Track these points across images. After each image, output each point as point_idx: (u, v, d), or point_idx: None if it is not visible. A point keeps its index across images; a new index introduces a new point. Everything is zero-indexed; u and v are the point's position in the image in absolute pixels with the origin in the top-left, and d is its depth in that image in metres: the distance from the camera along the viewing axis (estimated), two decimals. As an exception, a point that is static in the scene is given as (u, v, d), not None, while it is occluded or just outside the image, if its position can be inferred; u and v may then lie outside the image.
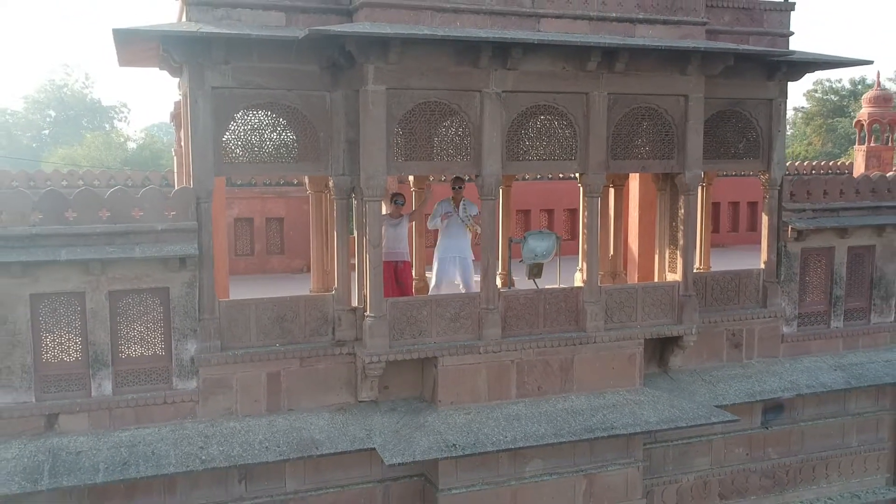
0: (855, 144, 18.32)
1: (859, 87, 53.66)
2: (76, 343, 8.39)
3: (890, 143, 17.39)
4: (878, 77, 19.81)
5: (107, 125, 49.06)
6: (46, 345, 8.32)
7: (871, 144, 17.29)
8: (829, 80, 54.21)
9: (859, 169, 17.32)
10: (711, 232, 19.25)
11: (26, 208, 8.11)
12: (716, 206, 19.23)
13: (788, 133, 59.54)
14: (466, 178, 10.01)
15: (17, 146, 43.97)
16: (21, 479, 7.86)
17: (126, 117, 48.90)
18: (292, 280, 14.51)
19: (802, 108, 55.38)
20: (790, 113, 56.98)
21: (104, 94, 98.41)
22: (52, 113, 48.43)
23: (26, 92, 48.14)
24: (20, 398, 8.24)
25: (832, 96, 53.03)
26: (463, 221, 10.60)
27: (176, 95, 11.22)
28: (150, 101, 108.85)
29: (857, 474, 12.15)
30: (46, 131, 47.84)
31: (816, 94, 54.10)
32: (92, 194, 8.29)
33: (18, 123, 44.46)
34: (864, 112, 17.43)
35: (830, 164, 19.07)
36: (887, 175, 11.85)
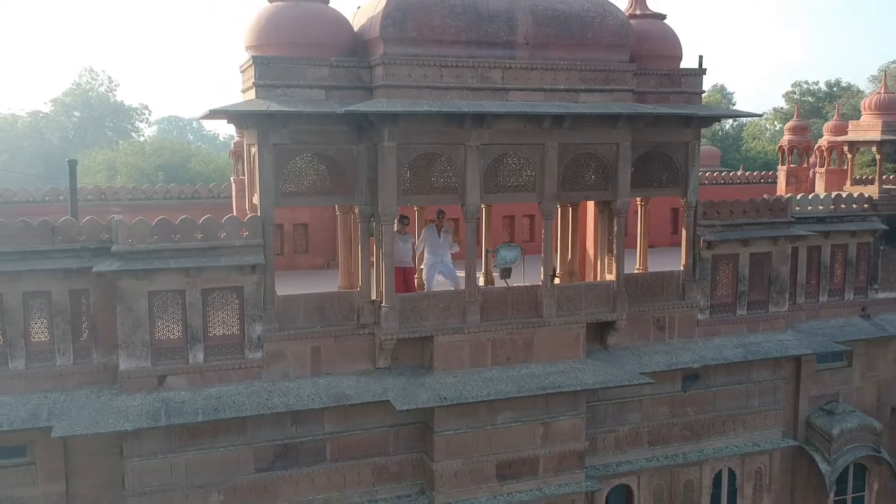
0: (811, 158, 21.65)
1: (835, 89, 57.02)
2: (178, 325, 11.91)
3: (806, 165, 20.84)
4: (797, 110, 23.14)
5: (128, 125, 52.52)
6: (158, 327, 11.83)
7: (791, 165, 20.76)
8: (806, 83, 57.64)
9: (781, 186, 20.78)
10: (671, 234, 22.81)
11: (146, 232, 11.62)
12: (675, 212, 22.68)
13: (778, 128, 62.95)
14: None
15: (47, 147, 47.43)
16: (147, 419, 11.42)
17: (147, 118, 52.35)
18: (316, 275, 17.90)
19: (781, 108, 58.75)
20: (770, 113, 60.29)
21: (124, 94, 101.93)
22: (77, 114, 51.79)
23: (54, 95, 51.51)
24: (140, 364, 11.77)
25: (809, 98, 56.24)
26: (442, 242, 14.04)
27: (235, 136, 14.65)
28: (158, 96, 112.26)
29: (758, 428, 15.64)
30: (72, 132, 51.20)
31: (794, 96, 57.41)
32: (191, 222, 11.80)
33: (49, 126, 47.85)
34: (785, 139, 20.83)
35: (756, 173, 22.32)
36: (782, 198, 15.32)
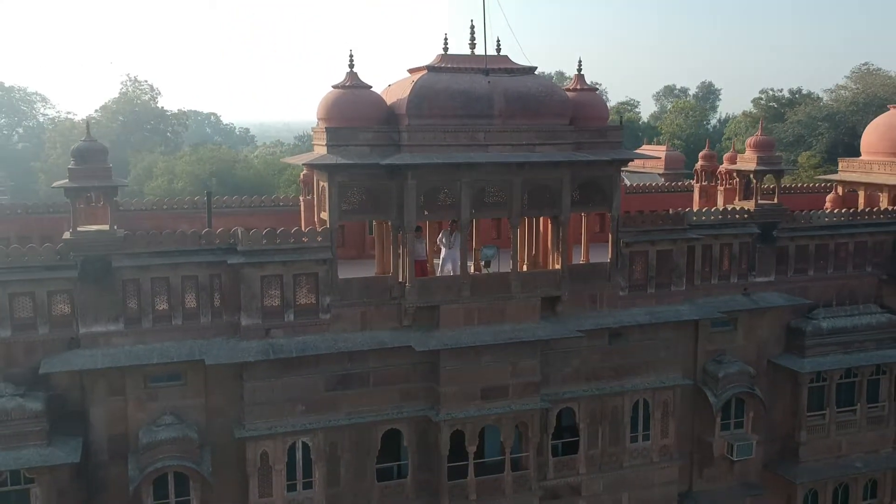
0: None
1: (796, 96, 63.56)
2: (278, 297, 18.76)
3: (714, 183, 27.67)
4: (708, 144, 29.92)
5: (167, 129, 59.31)
6: (266, 298, 18.68)
7: (703, 184, 27.60)
8: (772, 90, 64.08)
9: (696, 200, 27.63)
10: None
11: (259, 238, 18.47)
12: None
13: (748, 131, 69.49)
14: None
15: (99, 149, 54.09)
16: (261, 355, 18.31)
17: (185, 123, 59.09)
18: (350, 263, 24.39)
19: (750, 112, 65.29)
20: (741, 116, 66.74)
21: (163, 100, 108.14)
22: (121, 118, 58.51)
23: (101, 101, 58.17)
24: (254, 321, 18.64)
25: (773, 104, 62.68)
26: (453, 240, 20.85)
27: (304, 169, 21.46)
28: (176, 91, 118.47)
29: (665, 372, 22.42)
30: (116, 137, 57.90)
31: (762, 102, 63.87)
32: (287, 231, 18.66)
33: (101, 131, 54.57)
34: (699, 164, 27.70)
35: (675, 183, 29.20)
36: (681, 212, 22.10)
